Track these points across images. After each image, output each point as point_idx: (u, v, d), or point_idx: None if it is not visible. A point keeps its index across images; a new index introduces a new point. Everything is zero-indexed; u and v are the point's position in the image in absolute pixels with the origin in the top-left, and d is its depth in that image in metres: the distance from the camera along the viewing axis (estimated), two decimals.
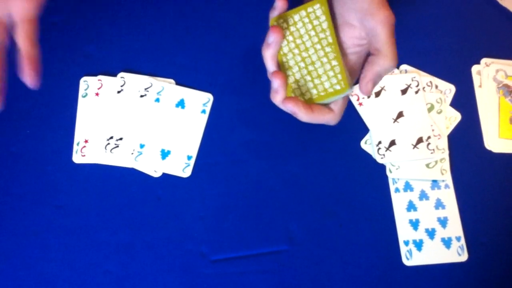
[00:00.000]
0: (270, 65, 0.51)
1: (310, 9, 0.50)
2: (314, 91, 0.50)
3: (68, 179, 0.60)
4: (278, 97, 0.50)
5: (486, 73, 0.66)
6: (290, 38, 0.51)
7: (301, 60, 0.51)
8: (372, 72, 0.49)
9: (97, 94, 0.62)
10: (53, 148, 0.61)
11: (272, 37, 0.49)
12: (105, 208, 0.60)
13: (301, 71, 0.51)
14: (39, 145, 0.61)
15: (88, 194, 0.60)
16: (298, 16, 0.51)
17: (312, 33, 0.50)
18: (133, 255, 0.58)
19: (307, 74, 0.51)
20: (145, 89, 0.62)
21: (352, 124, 0.63)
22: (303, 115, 0.49)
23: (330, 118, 0.51)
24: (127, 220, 0.59)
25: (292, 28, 0.51)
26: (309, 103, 0.50)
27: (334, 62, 0.49)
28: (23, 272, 0.58)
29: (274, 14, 0.51)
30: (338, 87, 0.49)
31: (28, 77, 0.49)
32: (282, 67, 0.51)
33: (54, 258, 0.58)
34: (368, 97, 0.64)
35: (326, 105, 0.51)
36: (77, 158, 0.60)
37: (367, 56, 0.51)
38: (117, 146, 0.61)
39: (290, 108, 0.49)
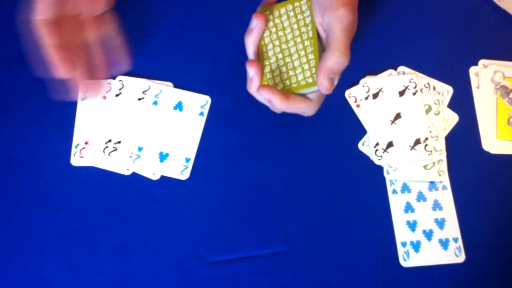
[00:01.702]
0: (250, 52, 0.53)
1: (296, 4, 0.53)
2: (288, 82, 0.52)
3: (66, 182, 0.60)
4: (253, 86, 0.51)
5: (484, 75, 0.66)
6: (274, 29, 0.53)
7: (279, 51, 0.52)
8: (325, 68, 0.49)
9: (104, 97, 0.63)
10: (51, 150, 0.61)
11: (254, 22, 0.52)
12: (103, 210, 0.60)
13: (278, 62, 0.52)
14: (37, 147, 0.61)
15: (86, 196, 0.60)
16: (284, 9, 0.53)
17: (295, 26, 0.52)
18: (130, 257, 0.59)
19: (283, 65, 0.52)
20: (143, 92, 0.63)
21: (350, 125, 0.64)
22: (279, 102, 0.50)
23: (306, 106, 0.52)
24: (125, 222, 0.60)
25: (277, 20, 0.53)
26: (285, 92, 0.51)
27: (310, 56, 0.51)
28: (21, 274, 0.58)
29: (262, 6, 0.54)
30: (310, 80, 0.50)
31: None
32: (261, 57, 0.53)
33: (51, 260, 0.58)
34: (366, 98, 0.64)
35: (303, 95, 0.52)
36: (75, 161, 0.61)
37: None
38: (116, 150, 0.61)
39: (265, 95, 0.49)
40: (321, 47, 0.52)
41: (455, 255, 0.60)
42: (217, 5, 0.67)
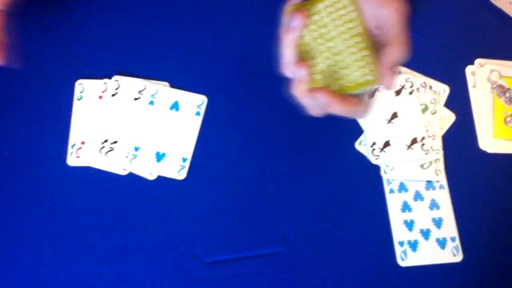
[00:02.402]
0: (290, 52, 0.48)
1: None
2: (342, 82, 0.48)
3: (62, 182, 0.60)
4: (301, 88, 0.47)
5: (480, 74, 0.66)
6: (313, 27, 0.48)
7: (326, 50, 0.48)
8: (389, 63, 0.47)
9: (100, 97, 0.63)
10: (47, 151, 0.61)
11: (297, 21, 0.47)
12: (100, 211, 0.60)
13: (326, 62, 0.48)
14: (33, 148, 0.61)
15: (83, 196, 0.60)
16: (322, 5, 0.49)
17: (338, 22, 0.48)
18: (127, 258, 0.58)
19: (333, 65, 0.48)
20: (139, 92, 0.62)
21: (346, 125, 0.63)
22: (337, 106, 0.46)
23: (363, 109, 0.49)
24: (122, 223, 0.59)
25: (315, 17, 0.48)
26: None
27: (364, 52, 0.47)
28: (17, 275, 0.58)
29: (293, 2, 0.49)
30: (370, 77, 0.47)
31: None
32: (303, 57, 0.48)
33: (48, 261, 0.58)
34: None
35: (357, 96, 0.49)
36: (71, 161, 0.61)
37: (380, 48, 0.49)
38: (112, 150, 0.61)
39: (322, 98, 0.46)
40: (372, 42, 0.48)
41: (452, 254, 0.60)
42: (213, 5, 0.67)
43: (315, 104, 0.48)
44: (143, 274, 0.58)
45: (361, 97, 0.49)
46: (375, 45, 0.48)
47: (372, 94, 0.49)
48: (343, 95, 0.47)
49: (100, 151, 0.61)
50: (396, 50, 0.47)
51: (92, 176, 0.60)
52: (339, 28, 0.48)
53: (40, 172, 0.60)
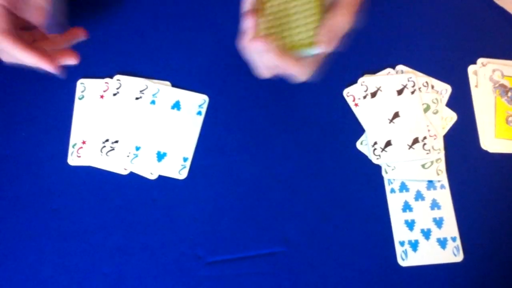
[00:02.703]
0: (247, 5, 0.49)
1: None
2: (285, 41, 0.49)
3: (63, 182, 0.60)
4: (246, 38, 0.48)
5: (483, 73, 0.65)
6: None
7: (278, 11, 0.49)
8: (331, 26, 0.47)
9: (102, 96, 0.63)
10: (48, 151, 0.61)
11: None
12: (101, 211, 0.60)
13: (276, 20, 0.49)
14: (34, 148, 0.61)
15: (84, 196, 0.60)
16: None
17: None
18: (129, 258, 0.59)
19: (282, 24, 0.49)
20: (141, 91, 0.62)
21: (348, 124, 0.63)
22: (273, 55, 0.46)
23: (300, 67, 0.49)
24: (123, 222, 0.60)
25: None
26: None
27: (313, 16, 0.48)
28: (19, 275, 0.58)
29: None
30: (310, 40, 0.48)
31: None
32: (257, 12, 0.49)
33: (50, 261, 0.58)
34: (364, 97, 0.63)
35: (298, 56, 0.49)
36: (72, 160, 0.61)
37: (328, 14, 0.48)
38: (113, 149, 0.61)
39: (260, 45, 0.46)
40: (323, 9, 0.49)
41: (453, 254, 0.60)
42: (214, 5, 0.67)
43: (253, 56, 0.48)
44: (145, 274, 0.58)
45: (305, 59, 0.49)
46: (328, 10, 0.48)
47: (315, 62, 0.49)
48: (283, 50, 0.48)
49: (101, 151, 0.61)
50: (338, 15, 0.47)
51: (93, 176, 0.61)
52: None
53: (41, 171, 0.61)
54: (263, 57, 0.48)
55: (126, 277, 0.58)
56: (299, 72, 0.49)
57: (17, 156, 0.61)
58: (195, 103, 0.63)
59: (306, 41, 0.48)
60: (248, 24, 0.48)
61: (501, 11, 0.68)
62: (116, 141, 0.61)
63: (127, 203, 0.60)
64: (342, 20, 0.47)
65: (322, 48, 0.47)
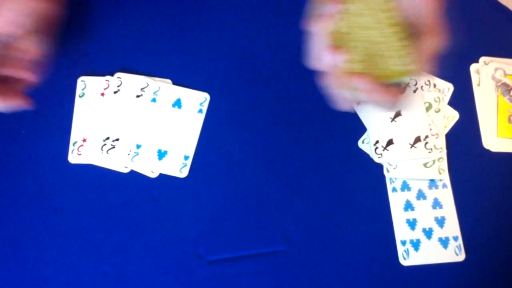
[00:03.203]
0: (323, 41, 0.46)
1: None
2: (382, 70, 0.47)
3: (64, 181, 0.60)
4: (334, 76, 0.46)
5: (485, 72, 0.65)
6: (348, 16, 0.47)
7: (363, 39, 0.47)
8: (427, 52, 0.46)
9: (102, 94, 0.62)
10: (48, 149, 0.61)
11: (331, 8, 0.45)
12: (102, 209, 0.60)
13: (364, 51, 0.47)
14: (35, 146, 0.61)
15: (85, 195, 0.60)
16: None
17: (376, 11, 0.47)
18: (129, 256, 0.58)
19: (371, 54, 0.47)
20: (141, 89, 0.62)
21: (349, 123, 0.63)
22: (378, 92, 0.45)
23: (399, 99, 0.47)
24: (123, 220, 0.59)
25: (351, 6, 0.47)
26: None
27: (403, 42, 0.46)
28: (20, 274, 0.58)
29: None
30: (411, 67, 0.46)
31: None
32: (339, 46, 0.47)
33: (50, 260, 0.58)
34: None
35: (394, 86, 0.48)
36: (73, 158, 0.60)
37: (416, 37, 0.47)
38: (114, 147, 0.61)
39: (363, 84, 0.44)
40: (409, 33, 0.47)
41: (455, 253, 0.60)
42: (216, 2, 0.66)
43: (349, 93, 0.47)
44: (146, 272, 0.58)
45: (397, 87, 0.48)
46: (413, 35, 0.47)
47: (405, 86, 0.48)
48: (380, 83, 0.46)
49: (101, 149, 0.61)
50: (433, 38, 0.46)
51: (93, 174, 0.60)
52: (377, 17, 0.47)
53: (41, 169, 0.60)
54: (367, 94, 0.46)
55: (126, 275, 0.58)
56: (398, 103, 0.48)
57: (17, 154, 0.61)
58: (196, 101, 0.63)
59: (401, 69, 0.46)
60: (338, 60, 0.45)
61: (504, 9, 0.67)
62: (117, 139, 0.61)
63: (127, 201, 0.60)
64: (435, 42, 0.46)
65: (420, 74, 0.46)
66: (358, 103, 0.49)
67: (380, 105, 0.48)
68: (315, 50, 0.47)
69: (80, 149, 0.61)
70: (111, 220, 0.59)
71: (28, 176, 0.60)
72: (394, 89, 0.47)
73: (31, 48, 0.52)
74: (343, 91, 0.47)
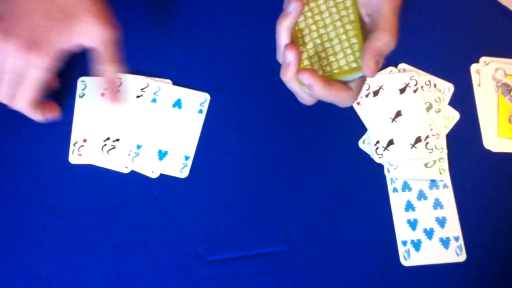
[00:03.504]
0: (284, 37, 0.48)
1: None
2: (328, 69, 0.48)
3: (64, 180, 0.60)
4: (289, 72, 0.47)
5: (485, 72, 0.65)
6: (309, 14, 0.49)
7: (317, 37, 0.49)
8: (373, 49, 0.46)
9: (102, 94, 0.62)
10: (49, 148, 0.61)
11: (292, 6, 0.47)
12: (101, 209, 0.60)
13: (316, 48, 0.49)
14: (35, 145, 0.61)
15: (84, 194, 0.60)
16: None
17: (333, 10, 0.49)
18: (129, 256, 0.58)
19: (322, 51, 0.49)
20: (142, 89, 0.62)
21: (350, 123, 0.63)
22: (320, 88, 0.46)
23: (347, 94, 0.48)
24: (124, 221, 0.59)
25: (312, 4, 0.49)
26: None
27: (353, 40, 0.48)
28: (19, 273, 0.58)
29: None
30: (354, 65, 0.47)
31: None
32: (295, 43, 0.49)
33: (49, 259, 0.58)
34: (366, 95, 0.63)
35: (344, 83, 0.49)
36: (73, 159, 0.60)
37: (368, 35, 0.48)
38: (114, 147, 0.61)
39: (307, 79, 0.45)
40: (363, 31, 0.49)
41: (456, 254, 0.59)
42: (215, 3, 0.66)
43: (296, 88, 0.49)
44: (146, 272, 0.58)
45: (347, 84, 0.49)
46: (367, 33, 0.48)
47: (360, 84, 0.49)
48: (329, 80, 0.47)
49: (102, 149, 0.61)
50: (383, 37, 0.46)
51: (94, 174, 0.60)
52: (333, 16, 0.49)
53: (42, 170, 0.60)
54: (310, 89, 0.47)
55: (126, 275, 0.58)
56: (346, 99, 0.49)
57: (18, 154, 0.61)
58: (196, 102, 0.63)
59: (351, 66, 0.48)
60: (290, 57, 0.47)
61: (504, 9, 0.67)
62: (117, 140, 0.61)
63: (128, 201, 0.60)
64: (387, 42, 0.46)
65: (368, 72, 0.46)
66: (316, 99, 0.51)
67: (329, 101, 0.49)
68: (277, 46, 0.49)
69: (80, 149, 0.61)
70: (111, 220, 0.59)
71: (29, 176, 0.60)
72: (342, 87, 0.48)
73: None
74: (295, 88, 0.49)
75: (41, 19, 0.49)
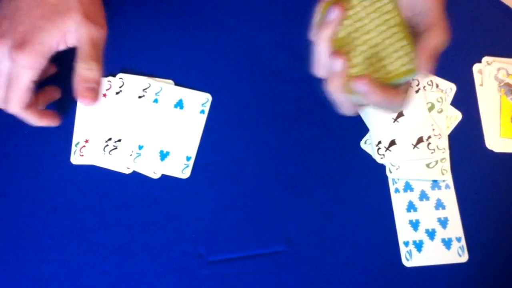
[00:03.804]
0: (323, 47, 0.47)
1: None
2: (382, 73, 0.47)
3: (66, 180, 0.60)
4: (338, 81, 0.46)
5: (488, 72, 0.65)
6: (348, 21, 0.48)
7: (362, 43, 0.48)
8: (429, 48, 0.46)
9: (104, 95, 0.62)
10: (50, 149, 0.61)
11: (335, 14, 0.46)
12: (103, 209, 0.60)
13: (363, 54, 0.48)
14: (37, 146, 0.61)
15: (86, 195, 0.60)
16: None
17: (374, 15, 0.47)
18: (130, 256, 0.58)
19: (372, 57, 0.47)
20: (143, 90, 0.62)
21: (352, 123, 0.63)
22: (378, 94, 0.45)
23: (402, 99, 0.47)
24: (125, 221, 0.59)
25: (349, 12, 0.48)
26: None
27: (403, 42, 0.47)
28: (19, 273, 0.58)
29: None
30: (411, 66, 0.46)
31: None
32: (339, 51, 0.47)
33: (50, 259, 0.58)
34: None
35: (396, 87, 0.48)
36: (75, 159, 0.61)
37: (416, 36, 0.47)
38: (116, 148, 0.61)
39: (364, 85, 0.44)
40: (411, 32, 0.48)
41: (458, 254, 0.59)
42: (218, 3, 0.66)
43: (352, 98, 0.47)
44: (146, 272, 0.58)
45: (400, 88, 0.48)
46: (414, 34, 0.47)
47: (408, 87, 0.48)
48: (383, 84, 0.46)
49: (104, 150, 0.61)
50: (434, 35, 0.46)
51: (95, 175, 0.60)
52: (375, 21, 0.48)
53: (44, 170, 0.60)
54: (367, 96, 0.45)
55: (127, 275, 0.58)
56: (402, 102, 0.48)
57: (19, 154, 0.61)
58: (198, 102, 0.63)
59: (408, 68, 0.47)
60: (339, 65, 0.45)
61: (507, 9, 0.67)
62: (119, 140, 0.61)
63: (129, 202, 0.60)
64: (442, 39, 0.46)
65: (426, 72, 0.46)
66: (362, 107, 0.50)
67: (383, 107, 0.48)
68: (317, 58, 0.47)
69: (82, 150, 0.61)
70: (112, 220, 0.59)
71: (30, 176, 0.60)
72: (396, 91, 0.47)
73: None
74: (346, 96, 0.48)
75: (32, 18, 0.49)
